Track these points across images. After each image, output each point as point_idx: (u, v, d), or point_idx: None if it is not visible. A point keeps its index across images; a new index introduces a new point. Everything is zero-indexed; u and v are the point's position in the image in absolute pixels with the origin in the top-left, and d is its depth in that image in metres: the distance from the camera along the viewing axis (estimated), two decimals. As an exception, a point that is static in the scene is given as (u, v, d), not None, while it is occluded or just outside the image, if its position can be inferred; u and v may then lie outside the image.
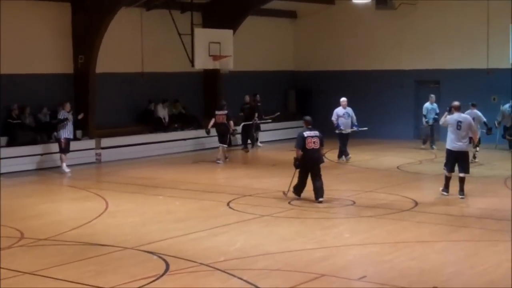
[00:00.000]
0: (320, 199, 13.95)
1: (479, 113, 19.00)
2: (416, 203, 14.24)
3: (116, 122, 21.87)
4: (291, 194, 14.59)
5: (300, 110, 26.63)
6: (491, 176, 17.75)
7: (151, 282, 9.57)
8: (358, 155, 20.62)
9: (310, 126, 14.29)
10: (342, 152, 19.94)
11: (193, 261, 10.47)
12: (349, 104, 20.65)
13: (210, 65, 22.55)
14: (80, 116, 19.54)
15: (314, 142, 13.92)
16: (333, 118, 19.90)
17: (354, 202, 14.29)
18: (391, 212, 13.74)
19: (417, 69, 25.00)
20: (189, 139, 23.67)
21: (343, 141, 19.80)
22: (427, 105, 22.21)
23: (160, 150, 22.44)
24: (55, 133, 19.62)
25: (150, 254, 11.04)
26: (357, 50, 26.17)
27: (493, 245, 11.55)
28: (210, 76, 24.87)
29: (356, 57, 26.08)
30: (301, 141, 13.95)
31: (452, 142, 14.25)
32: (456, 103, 14.61)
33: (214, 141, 21.92)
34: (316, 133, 14.07)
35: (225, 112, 20.65)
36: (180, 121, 24.28)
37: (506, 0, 22.34)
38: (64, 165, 18.97)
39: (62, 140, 18.83)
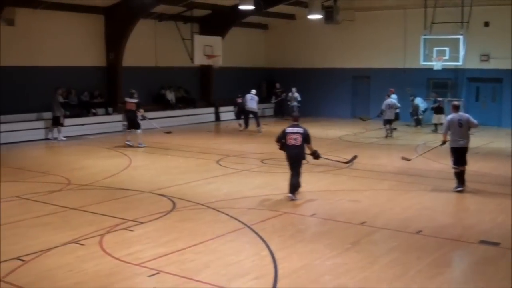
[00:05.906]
0: (290, 195, 13.02)
1: (394, 101, 23.49)
2: (352, 162, 15.93)
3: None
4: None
5: (269, 95, 33.20)
6: (405, 145, 21.50)
7: (162, 216, 11.43)
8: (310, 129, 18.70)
9: (295, 123, 13.20)
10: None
11: (192, 202, 12.53)
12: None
13: (205, 62, 26.93)
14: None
15: (295, 139, 12.89)
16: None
17: (308, 162, 14.11)
18: (334, 169, 16.08)
19: (354, 68, 31.77)
20: (189, 115, 28.34)
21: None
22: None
23: (168, 123, 26.14)
24: (93, 110, 23.93)
25: (162, 196, 13.13)
26: (311, 52, 33.01)
27: (406, 193, 13.77)
28: (205, 70, 29.68)
29: (311, 58, 33.01)
30: (281, 136, 13.09)
31: (455, 141, 13.80)
32: (456, 103, 14.27)
33: (207, 117, 28.14)
34: (299, 130, 12.96)
35: (136, 100, 20.68)
36: (183, 102, 28.92)
37: (419, 19, 28.29)
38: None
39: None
